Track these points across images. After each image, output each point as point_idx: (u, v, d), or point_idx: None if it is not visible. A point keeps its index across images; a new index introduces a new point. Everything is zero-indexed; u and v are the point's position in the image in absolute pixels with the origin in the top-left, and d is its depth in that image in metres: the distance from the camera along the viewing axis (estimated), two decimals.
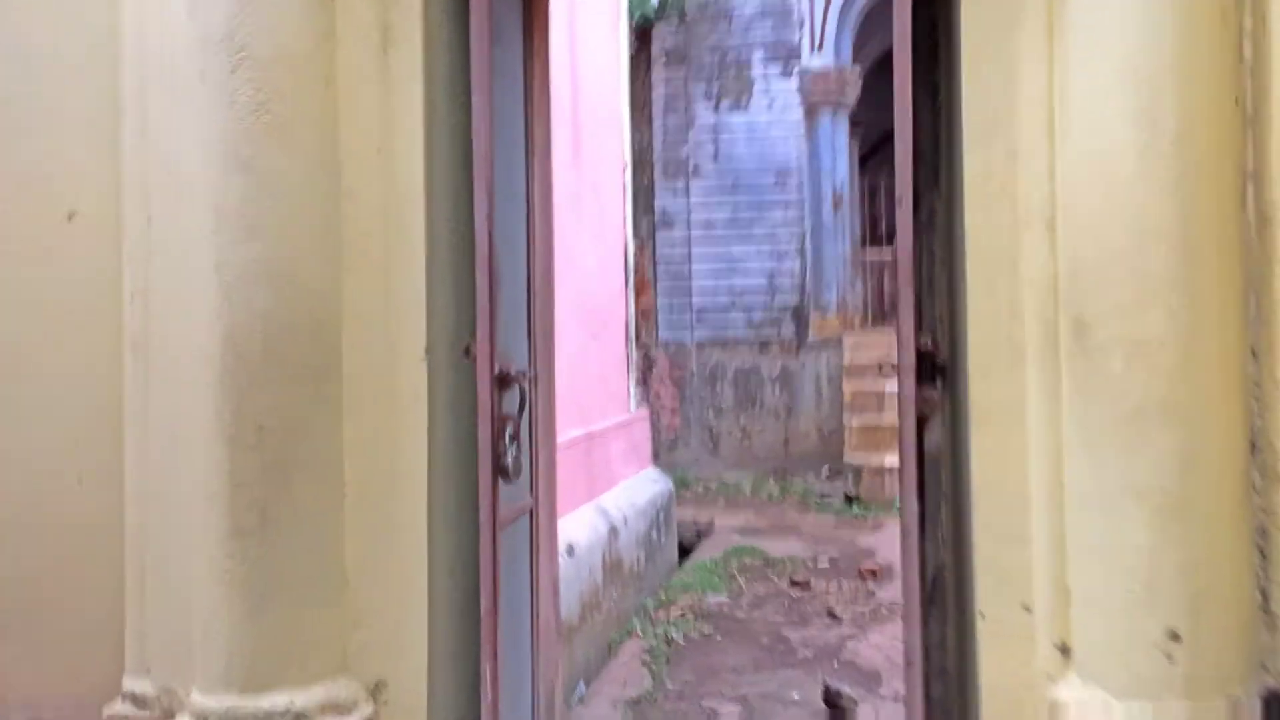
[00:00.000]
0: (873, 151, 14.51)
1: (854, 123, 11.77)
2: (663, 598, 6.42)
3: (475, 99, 2.24)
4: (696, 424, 11.10)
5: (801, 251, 10.83)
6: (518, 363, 2.50)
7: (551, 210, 2.93)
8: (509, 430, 2.26)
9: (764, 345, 10.94)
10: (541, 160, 2.85)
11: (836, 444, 10.27)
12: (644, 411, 8.30)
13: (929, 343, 2.21)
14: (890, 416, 9.64)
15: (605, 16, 7.86)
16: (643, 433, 8.13)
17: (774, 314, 10.89)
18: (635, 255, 9.41)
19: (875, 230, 13.10)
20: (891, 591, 6.36)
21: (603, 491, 6.68)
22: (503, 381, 2.27)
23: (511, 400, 2.34)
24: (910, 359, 2.12)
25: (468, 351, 2.27)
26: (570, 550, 5.59)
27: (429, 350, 2.27)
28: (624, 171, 8.25)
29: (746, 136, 10.83)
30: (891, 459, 9.07)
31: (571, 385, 6.47)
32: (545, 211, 2.88)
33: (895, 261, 2.23)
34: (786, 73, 10.80)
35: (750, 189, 10.80)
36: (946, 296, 2.42)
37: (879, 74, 13.24)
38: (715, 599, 6.33)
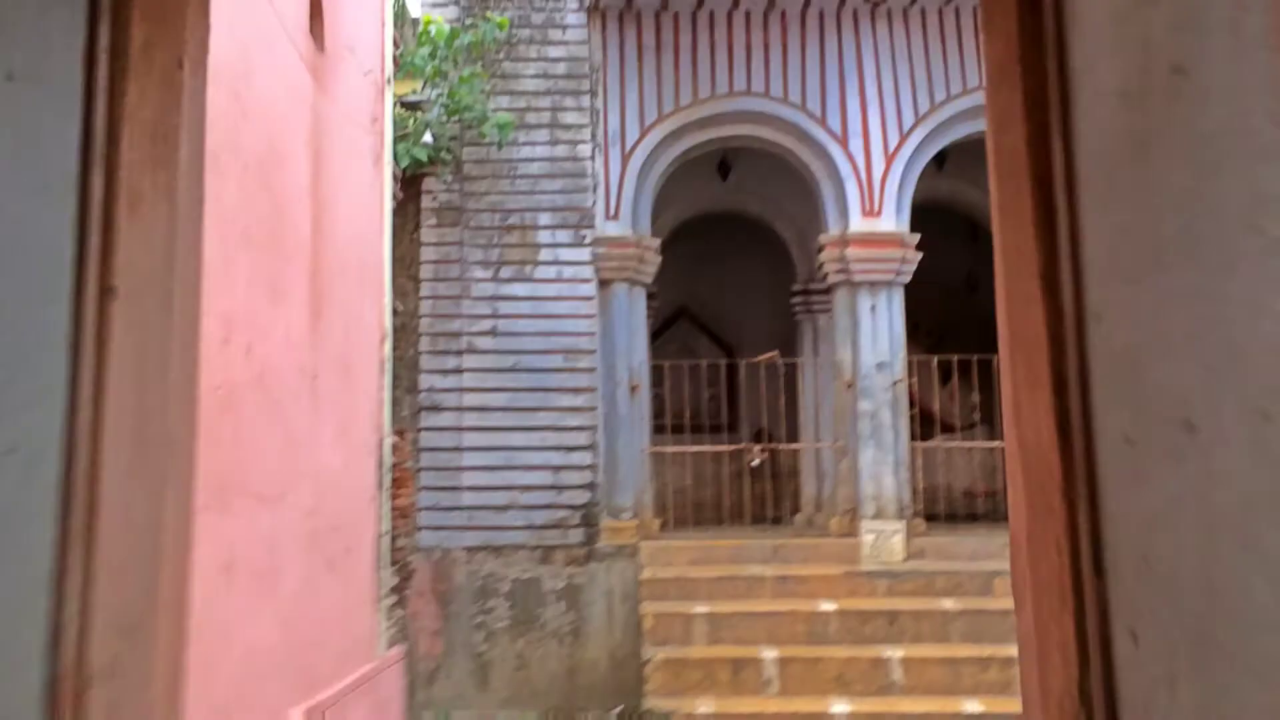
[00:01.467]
0: (663, 328, 13.36)
1: (649, 297, 10.52)
2: None
3: None
4: (463, 649, 9.11)
5: (593, 444, 9.27)
6: None
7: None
8: None
9: (547, 553, 9.18)
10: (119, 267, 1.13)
11: (632, 675, 8.53)
12: (397, 651, 6.43)
13: None
14: (701, 648, 8.06)
15: (364, 153, 6.25)
16: (393, 683, 6.23)
17: (559, 516, 9.19)
18: (394, 446, 7.64)
19: (675, 416, 11.80)
20: None
21: None
22: None
23: None
24: None
25: None
26: None
27: None
28: (382, 344, 6.52)
29: (531, 309, 9.32)
30: (706, 705, 7.45)
31: (289, 645, 4.57)
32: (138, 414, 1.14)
33: None
34: (578, 240, 9.45)
35: (534, 370, 9.23)
36: None
37: (674, 243, 12.18)
38: None
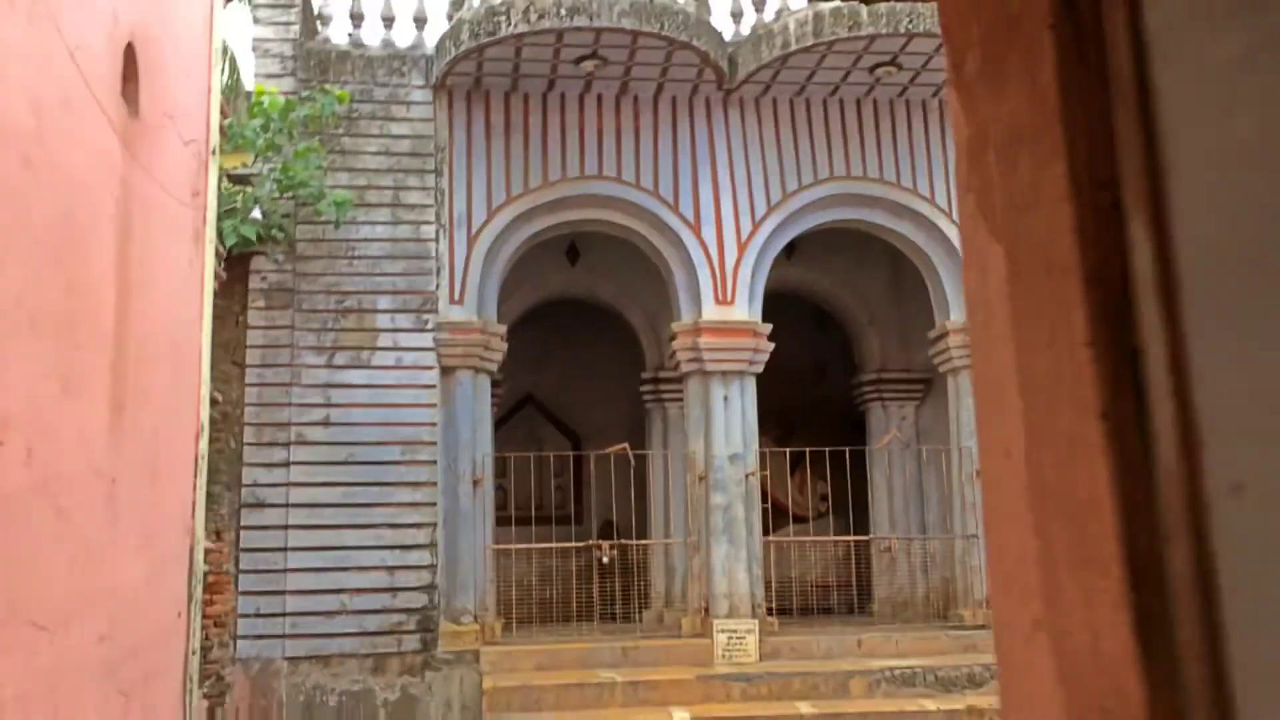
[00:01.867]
0: (508, 415, 12.83)
1: (494, 384, 10.04)
2: None
3: None
4: None
5: (432, 542, 8.67)
6: None
7: None
8: None
9: (380, 661, 8.48)
10: None
11: None
12: None
13: None
14: None
15: (183, 229, 5.65)
16: None
17: (394, 620, 8.53)
18: (209, 550, 6.92)
19: (520, 507, 11.24)
20: None
21: None
22: None
23: None
24: None
25: None
26: None
27: None
28: (198, 439, 5.85)
29: (368, 398, 8.73)
30: None
31: None
32: None
33: None
34: (420, 325, 8.94)
35: (370, 463, 8.61)
36: None
37: (521, 329, 11.76)
38: None
